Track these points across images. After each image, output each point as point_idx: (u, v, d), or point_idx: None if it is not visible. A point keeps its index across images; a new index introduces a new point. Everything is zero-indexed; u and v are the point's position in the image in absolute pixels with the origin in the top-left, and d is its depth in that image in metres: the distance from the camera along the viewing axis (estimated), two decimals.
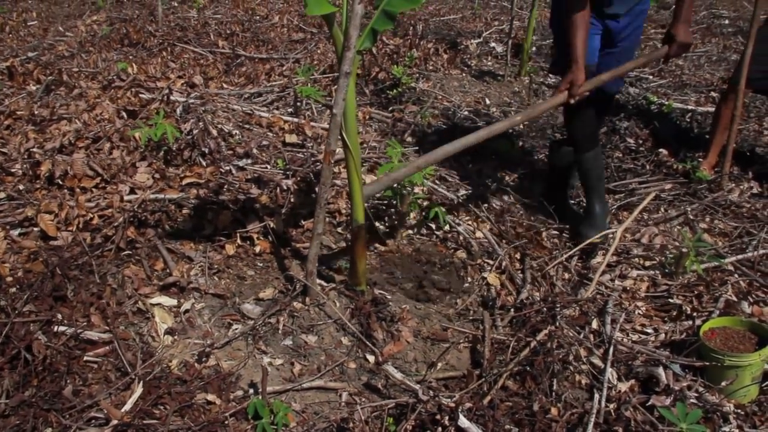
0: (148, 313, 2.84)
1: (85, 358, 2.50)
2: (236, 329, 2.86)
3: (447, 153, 3.22)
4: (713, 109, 4.96)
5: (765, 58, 4.05)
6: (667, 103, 5.61)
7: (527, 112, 3.46)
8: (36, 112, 4.30)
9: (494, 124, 3.31)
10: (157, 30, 7.24)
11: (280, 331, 2.83)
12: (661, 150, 4.77)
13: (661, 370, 2.58)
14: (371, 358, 2.74)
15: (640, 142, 4.97)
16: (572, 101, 3.32)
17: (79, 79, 5.29)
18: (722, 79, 6.45)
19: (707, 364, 2.58)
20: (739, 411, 2.48)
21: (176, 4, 8.86)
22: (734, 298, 3.07)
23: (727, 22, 9.33)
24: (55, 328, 2.55)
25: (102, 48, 6.65)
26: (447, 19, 8.70)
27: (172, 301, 2.94)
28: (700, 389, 2.52)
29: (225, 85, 5.64)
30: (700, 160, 4.47)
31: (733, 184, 4.23)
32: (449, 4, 9.82)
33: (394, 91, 5.62)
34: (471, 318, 3.10)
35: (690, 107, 5.62)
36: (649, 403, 2.42)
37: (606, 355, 2.67)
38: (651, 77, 6.65)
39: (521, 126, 5.31)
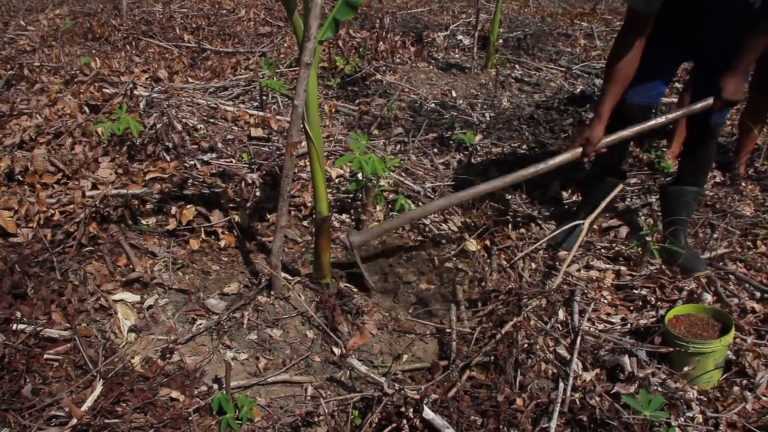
0: (111, 309, 2.80)
1: (45, 357, 2.46)
2: (200, 324, 2.83)
3: (440, 207, 3.24)
4: (677, 100, 5.01)
5: None
6: None
7: (536, 168, 3.19)
8: None
9: (494, 181, 3.20)
10: (122, 24, 7.14)
11: (244, 326, 2.81)
12: None
13: (626, 358, 2.61)
14: (337, 351, 2.73)
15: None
16: (585, 159, 3.15)
17: (40, 73, 5.20)
18: (686, 70, 6.52)
19: (672, 349, 2.61)
20: (702, 397, 2.51)
21: None
22: (697, 289, 3.11)
23: None
24: (14, 327, 2.50)
25: (65, 42, 6.55)
26: (414, 12, 8.69)
27: (135, 297, 2.90)
28: (664, 376, 2.55)
29: (190, 80, 5.58)
30: (664, 149, 4.53)
31: None
32: None
33: (336, 79, 5.64)
34: (437, 309, 3.10)
35: None
36: (614, 390, 2.44)
37: (573, 345, 2.69)
38: None
39: (487, 117, 5.33)
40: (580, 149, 3.12)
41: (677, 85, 6.11)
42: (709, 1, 2.89)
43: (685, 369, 2.56)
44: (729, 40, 2.97)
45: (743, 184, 4.15)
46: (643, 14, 2.86)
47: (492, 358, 2.64)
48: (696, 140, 3.31)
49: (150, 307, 2.88)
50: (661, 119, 3.21)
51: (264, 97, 5.05)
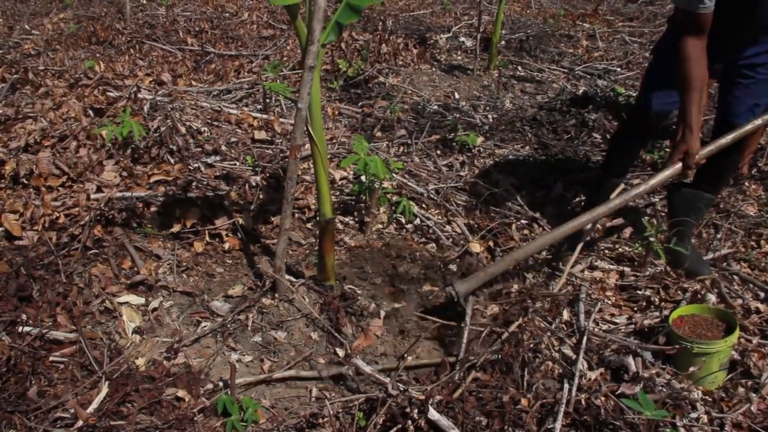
0: (116, 312, 2.81)
1: (51, 359, 2.47)
2: (205, 326, 2.84)
3: (544, 245, 3.13)
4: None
5: None
6: (634, 94, 5.66)
7: (637, 190, 3.11)
8: (0, 111, 4.24)
9: (600, 208, 3.08)
10: (125, 28, 7.16)
11: (249, 328, 2.82)
12: None
13: (630, 359, 2.61)
14: (341, 353, 2.74)
15: (609, 134, 5.00)
16: (688, 172, 3.05)
17: (45, 77, 5.22)
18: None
19: (677, 346, 2.61)
20: (706, 397, 2.51)
21: (144, 2, 8.77)
22: (701, 290, 3.10)
23: None
24: (20, 329, 2.51)
25: (69, 46, 6.56)
26: (417, 15, 8.69)
27: (140, 300, 2.92)
28: (668, 376, 2.55)
29: (194, 83, 5.60)
30: (667, 150, 4.52)
31: None
32: None
33: (339, 82, 5.65)
34: (441, 311, 3.10)
35: None
36: (619, 391, 2.44)
37: (578, 345, 2.69)
38: (619, 69, 6.70)
39: (490, 119, 5.33)
40: (680, 164, 3.01)
41: None
42: (738, 9, 2.85)
43: (690, 369, 2.56)
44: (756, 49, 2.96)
45: (746, 183, 4.15)
46: (707, 14, 2.81)
47: (498, 356, 2.64)
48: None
49: (155, 309, 2.89)
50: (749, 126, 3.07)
51: (267, 100, 5.06)
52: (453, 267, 3.36)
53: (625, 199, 3.10)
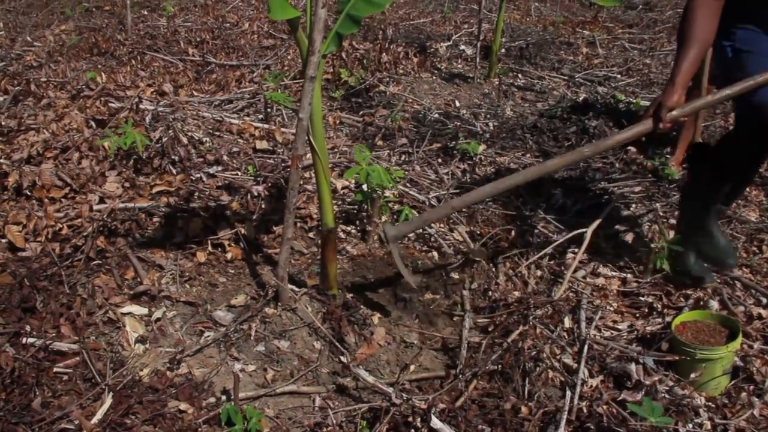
0: (119, 322, 2.82)
1: (55, 370, 2.48)
2: (208, 336, 2.85)
3: (485, 194, 2.89)
4: None
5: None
6: (635, 101, 5.68)
7: (596, 145, 2.88)
8: (3, 123, 4.25)
9: (549, 162, 2.87)
10: (127, 39, 7.19)
11: (252, 338, 2.82)
12: (629, 148, 4.82)
13: (632, 366, 2.61)
14: (344, 362, 2.74)
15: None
16: (659, 129, 2.69)
17: (47, 89, 5.24)
18: None
19: (678, 358, 2.61)
20: (709, 404, 2.51)
21: (146, 13, 8.80)
22: (704, 297, 3.11)
23: None
24: (24, 340, 2.52)
25: (71, 57, 6.59)
26: (417, 23, 8.72)
27: (143, 310, 2.92)
28: (671, 383, 2.55)
29: (195, 93, 5.62)
30: (668, 156, 4.53)
31: None
32: (419, 8, 9.86)
33: (340, 91, 5.67)
34: (444, 319, 3.11)
35: None
36: (621, 398, 2.45)
37: (580, 353, 2.70)
38: (619, 76, 6.72)
39: (491, 126, 5.35)
40: (651, 121, 2.70)
41: None
42: None
43: (692, 376, 2.56)
44: None
45: (748, 189, 4.15)
46: None
47: (499, 366, 2.65)
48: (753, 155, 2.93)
49: (158, 319, 2.89)
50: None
51: (269, 110, 5.08)
52: (455, 275, 3.37)
53: (587, 153, 2.87)
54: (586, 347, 2.71)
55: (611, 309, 3.13)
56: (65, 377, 2.48)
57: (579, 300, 3.10)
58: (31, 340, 2.54)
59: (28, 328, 2.61)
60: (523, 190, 4.20)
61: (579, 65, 7.18)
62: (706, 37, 2.71)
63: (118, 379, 2.48)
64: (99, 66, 6.24)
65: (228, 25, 8.08)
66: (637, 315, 3.09)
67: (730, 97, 2.74)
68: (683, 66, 2.67)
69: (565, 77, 6.77)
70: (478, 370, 2.62)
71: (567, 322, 2.94)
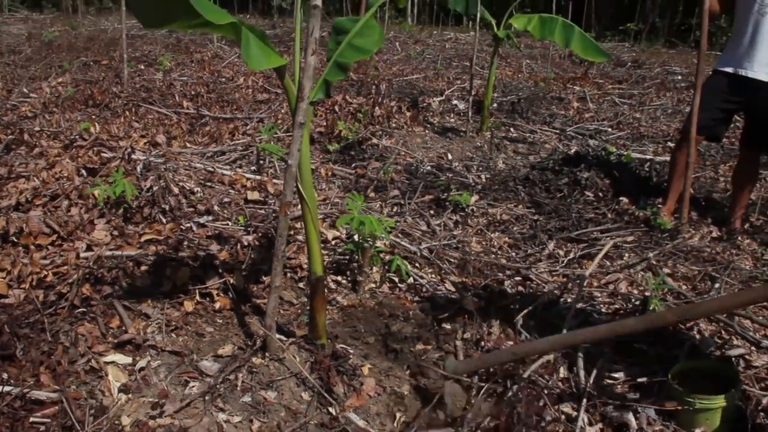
0: (102, 371, 2.74)
1: (31, 420, 2.39)
2: (193, 387, 2.77)
3: (549, 349, 2.80)
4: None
5: (712, 107, 4.19)
6: (626, 153, 5.71)
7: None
8: None
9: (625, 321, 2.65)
10: (122, 91, 7.25)
11: (238, 388, 2.75)
12: (621, 198, 4.84)
13: (631, 416, 2.55)
14: (332, 413, 2.67)
15: (601, 191, 5.03)
16: None
17: (40, 138, 5.25)
18: (677, 129, 6.61)
19: (679, 408, 2.55)
20: None
21: (142, 67, 8.90)
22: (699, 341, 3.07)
23: (679, 77, 9.64)
24: (0, 389, 2.45)
25: (65, 108, 6.63)
26: (410, 79, 8.83)
27: (127, 359, 2.85)
28: None
29: (188, 144, 5.63)
30: (660, 206, 4.54)
31: (693, 230, 4.29)
32: (413, 64, 10.00)
33: (336, 144, 5.70)
34: (436, 370, 3.04)
35: (648, 157, 5.74)
36: None
37: (579, 403, 2.64)
38: (610, 129, 6.78)
39: (483, 178, 5.35)
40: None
41: (670, 144, 6.17)
42: None
43: (696, 431, 2.50)
44: None
45: (740, 238, 4.15)
46: None
47: (497, 423, 2.58)
48: None
49: (142, 368, 2.82)
50: None
51: (261, 161, 5.08)
52: (447, 326, 3.32)
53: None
54: (584, 398, 2.65)
55: (607, 357, 3.07)
56: (42, 428, 2.40)
57: (575, 348, 3.04)
58: (8, 388, 2.46)
59: (5, 375, 2.53)
60: (515, 240, 4.18)
61: (570, 119, 7.25)
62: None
63: (98, 427, 2.41)
64: (93, 117, 6.27)
65: (223, 79, 8.17)
66: (633, 363, 3.03)
67: None
68: None
69: (557, 131, 6.82)
70: (473, 422, 2.55)
71: (562, 372, 2.89)
